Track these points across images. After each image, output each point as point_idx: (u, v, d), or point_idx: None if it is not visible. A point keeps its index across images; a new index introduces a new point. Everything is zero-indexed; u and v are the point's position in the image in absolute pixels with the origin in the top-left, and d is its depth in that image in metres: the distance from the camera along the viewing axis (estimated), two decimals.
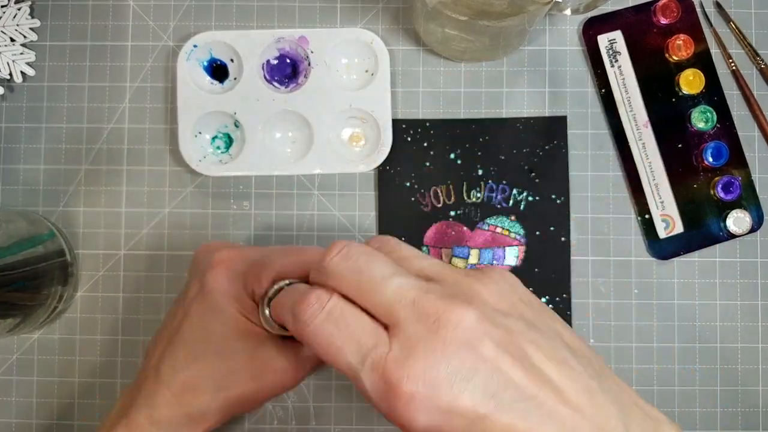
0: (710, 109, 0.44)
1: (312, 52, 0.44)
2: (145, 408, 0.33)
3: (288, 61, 0.45)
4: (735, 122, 0.45)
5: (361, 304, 0.26)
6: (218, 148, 0.45)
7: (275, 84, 0.45)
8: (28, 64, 0.45)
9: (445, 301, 0.24)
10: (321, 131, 0.44)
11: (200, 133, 0.44)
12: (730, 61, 0.45)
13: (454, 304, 0.24)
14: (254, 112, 0.44)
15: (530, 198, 0.45)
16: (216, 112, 0.44)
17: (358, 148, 0.45)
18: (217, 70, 0.45)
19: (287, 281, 0.33)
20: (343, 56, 0.45)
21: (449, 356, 0.24)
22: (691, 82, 0.44)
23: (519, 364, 0.24)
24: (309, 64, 0.44)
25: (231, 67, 0.45)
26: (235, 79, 0.44)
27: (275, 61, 0.45)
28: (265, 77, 0.44)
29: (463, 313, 0.24)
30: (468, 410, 0.23)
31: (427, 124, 0.45)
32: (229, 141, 0.45)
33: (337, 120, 0.44)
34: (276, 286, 0.33)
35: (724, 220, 0.44)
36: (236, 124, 0.44)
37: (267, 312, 0.33)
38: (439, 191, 0.45)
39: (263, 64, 0.44)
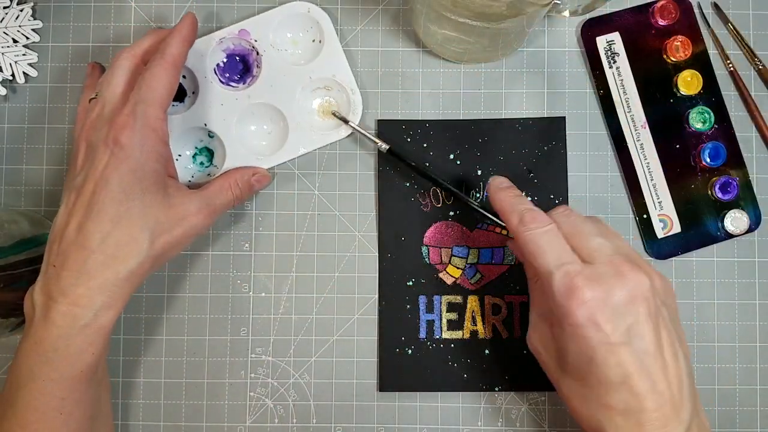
0: (708, 109, 0.44)
1: (256, 40, 0.44)
2: (82, 277, 0.35)
3: (237, 58, 0.45)
4: (732, 123, 0.45)
5: (569, 242, 0.35)
6: (202, 164, 0.45)
7: (232, 84, 0.45)
8: (30, 65, 0.45)
9: (632, 265, 0.34)
10: (292, 112, 0.44)
11: (180, 155, 0.44)
12: (728, 62, 0.45)
13: (640, 270, 0.34)
14: (223, 117, 0.44)
15: (529, 198, 0.45)
16: (187, 130, 0.44)
17: (331, 116, 0.45)
18: None
19: None
20: (287, 32, 0.45)
21: (618, 295, 0.33)
22: (689, 83, 0.45)
23: (653, 333, 0.33)
24: (257, 54, 0.44)
25: (185, 83, 0.45)
26: (193, 93, 0.44)
27: (224, 62, 0.45)
28: (220, 81, 0.44)
29: (643, 278, 0.34)
30: (607, 333, 0.33)
31: (427, 125, 0.45)
32: (210, 154, 0.45)
33: (303, 96, 0.44)
34: None
35: (722, 220, 0.44)
36: (210, 135, 0.44)
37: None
38: (438, 191, 0.45)
39: (214, 69, 0.44)
